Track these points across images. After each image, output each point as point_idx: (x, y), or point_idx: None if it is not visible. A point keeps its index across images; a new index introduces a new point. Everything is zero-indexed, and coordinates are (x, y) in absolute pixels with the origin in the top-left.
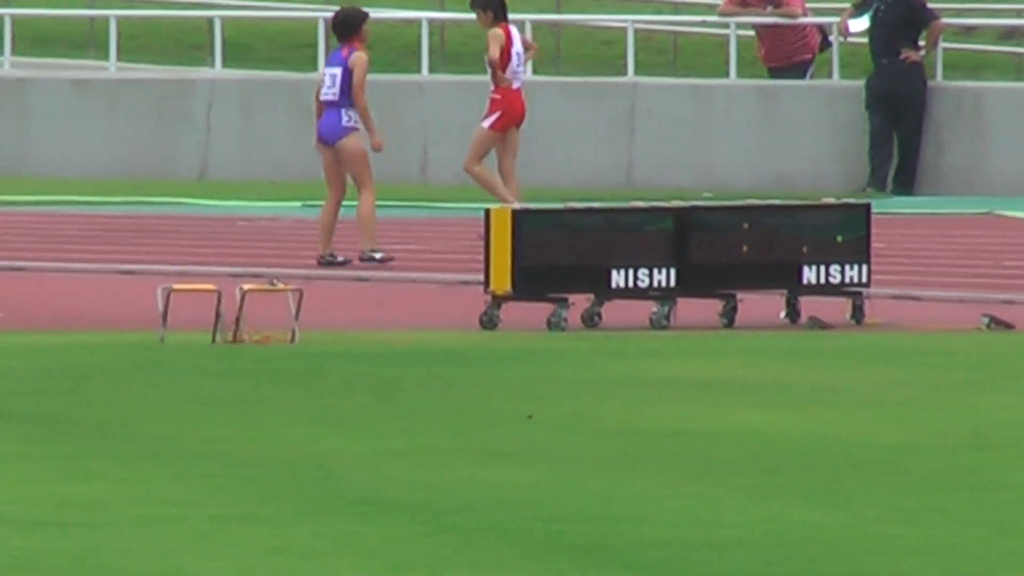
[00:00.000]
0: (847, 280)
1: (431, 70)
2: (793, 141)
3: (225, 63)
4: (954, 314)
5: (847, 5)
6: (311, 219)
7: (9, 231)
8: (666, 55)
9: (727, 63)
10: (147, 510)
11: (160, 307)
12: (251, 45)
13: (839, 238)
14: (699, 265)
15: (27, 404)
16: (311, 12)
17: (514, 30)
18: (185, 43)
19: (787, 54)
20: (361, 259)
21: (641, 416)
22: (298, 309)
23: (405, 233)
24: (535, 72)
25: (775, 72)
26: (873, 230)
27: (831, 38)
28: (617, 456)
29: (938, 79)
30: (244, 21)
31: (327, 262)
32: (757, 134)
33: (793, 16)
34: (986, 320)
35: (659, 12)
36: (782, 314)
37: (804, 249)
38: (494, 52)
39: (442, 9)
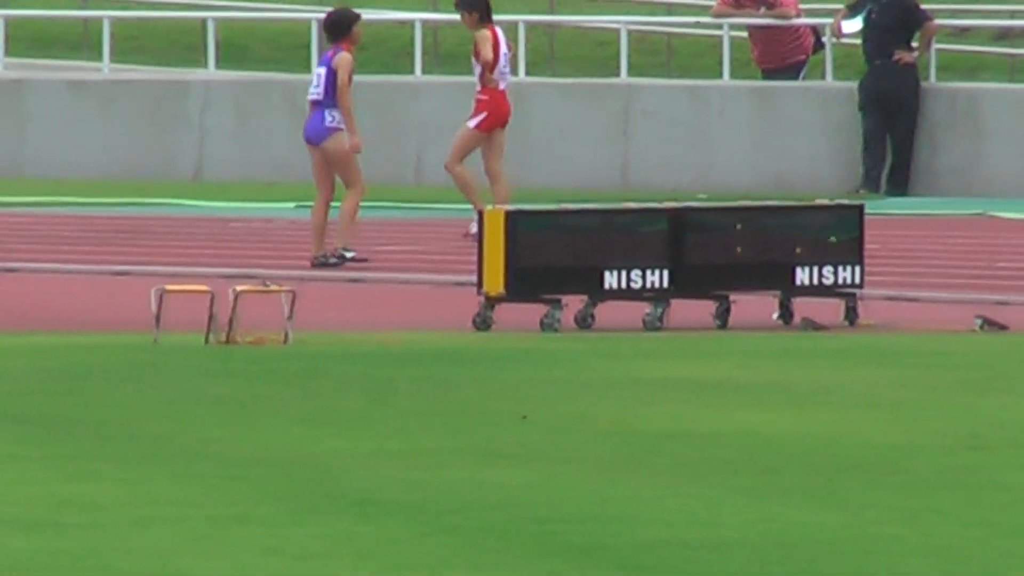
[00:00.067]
0: (840, 281)
1: (425, 71)
2: (787, 142)
3: (219, 64)
4: (948, 315)
5: (840, 6)
6: (305, 220)
7: (4, 232)
8: (660, 56)
9: (721, 64)
10: (145, 511)
11: (153, 308)
12: (246, 46)
13: (833, 239)
14: (693, 266)
15: (24, 405)
16: (305, 13)
17: (499, 31)
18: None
19: (781, 55)
20: (334, 255)
21: (637, 417)
22: (291, 310)
23: (399, 234)
24: (529, 73)
25: (768, 73)
26: (867, 231)
27: (824, 39)
28: (613, 457)
29: (932, 80)
30: (238, 22)
31: (320, 263)
32: (751, 135)
33: (786, 17)
34: (980, 321)
35: (653, 13)
36: (775, 315)
37: (798, 250)
38: (488, 53)
39: (436, 10)
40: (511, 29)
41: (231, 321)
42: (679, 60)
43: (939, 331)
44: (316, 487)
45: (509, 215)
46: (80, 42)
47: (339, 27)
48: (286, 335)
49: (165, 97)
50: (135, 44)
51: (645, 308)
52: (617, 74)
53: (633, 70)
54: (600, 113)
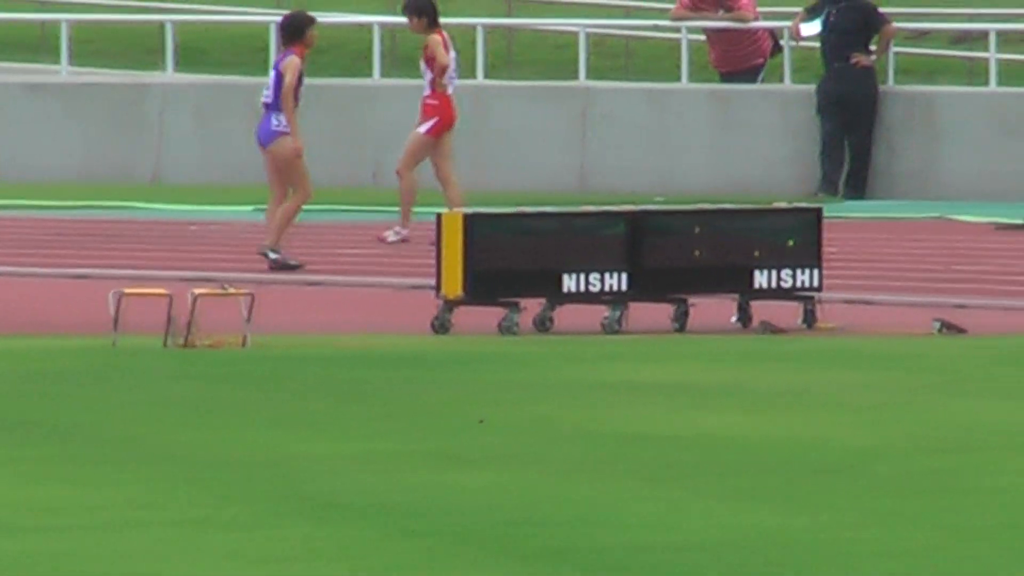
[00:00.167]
0: (799, 284)
1: (383, 74)
2: (746, 145)
3: (178, 67)
4: (906, 318)
5: (799, 9)
6: (263, 223)
7: None
8: (619, 59)
9: (680, 67)
10: (106, 514)
11: (112, 311)
12: (204, 49)
13: (791, 242)
14: (651, 269)
15: None
16: (263, 16)
17: (446, 35)
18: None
19: (739, 58)
20: (258, 252)
21: (597, 420)
22: (250, 313)
23: (357, 237)
24: (487, 76)
25: (727, 76)
26: (825, 234)
27: (782, 42)
28: (575, 460)
29: (890, 83)
30: (197, 25)
31: (279, 266)
32: (710, 138)
33: (745, 20)
34: (938, 324)
35: (611, 16)
36: (734, 318)
37: (756, 253)
38: (444, 58)
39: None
40: (469, 32)
41: (190, 324)
42: (637, 63)
43: (898, 334)
44: (277, 490)
45: (467, 218)
46: (38, 45)
47: (291, 30)
48: (245, 338)
49: (124, 100)
50: (93, 47)
51: (604, 311)
52: (576, 77)
53: (592, 73)
54: (559, 116)
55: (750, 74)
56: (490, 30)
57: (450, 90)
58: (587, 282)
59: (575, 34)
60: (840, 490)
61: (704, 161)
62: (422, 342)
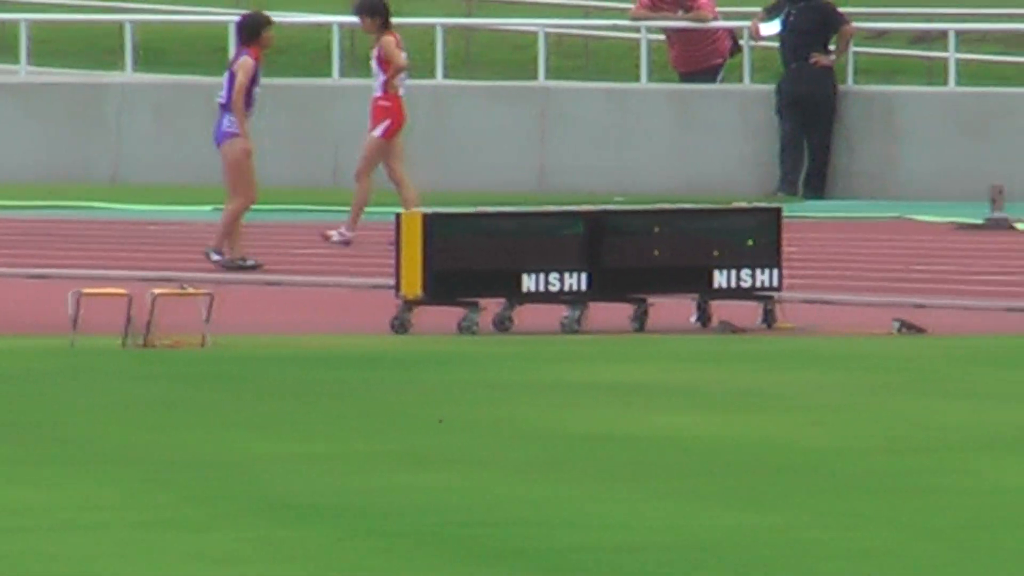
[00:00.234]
0: (758, 284)
1: (343, 74)
2: (705, 145)
3: (137, 67)
4: (866, 318)
5: (758, 9)
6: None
7: None
8: (578, 59)
9: (639, 67)
10: (65, 515)
11: (71, 311)
12: (163, 49)
13: (750, 242)
14: (611, 269)
15: None
16: (222, 16)
17: (397, 36)
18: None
19: (698, 58)
20: (204, 252)
21: (558, 420)
22: (209, 313)
23: (317, 237)
24: (447, 76)
25: (686, 76)
26: (784, 234)
27: (742, 42)
28: (534, 460)
29: (849, 83)
30: (156, 25)
31: (237, 266)
32: (669, 138)
33: (704, 20)
34: (898, 324)
35: (570, 16)
36: (693, 318)
37: (715, 253)
38: (401, 60)
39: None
40: (428, 32)
41: (149, 324)
42: (597, 63)
43: (857, 334)
44: (237, 491)
45: (427, 218)
46: None
47: (247, 31)
48: (204, 338)
49: (83, 100)
50: (52, 47)
51: (563, 311)
52: (535, 77)
53: (551, 73)
54: (518, 116)
55: (709, 74)
56: (449, 30)
57: (401, 91)
58: (546, 282)
59: (534, 34)
60: (800, 490)
61: (663, 161)
62: (381, 342)
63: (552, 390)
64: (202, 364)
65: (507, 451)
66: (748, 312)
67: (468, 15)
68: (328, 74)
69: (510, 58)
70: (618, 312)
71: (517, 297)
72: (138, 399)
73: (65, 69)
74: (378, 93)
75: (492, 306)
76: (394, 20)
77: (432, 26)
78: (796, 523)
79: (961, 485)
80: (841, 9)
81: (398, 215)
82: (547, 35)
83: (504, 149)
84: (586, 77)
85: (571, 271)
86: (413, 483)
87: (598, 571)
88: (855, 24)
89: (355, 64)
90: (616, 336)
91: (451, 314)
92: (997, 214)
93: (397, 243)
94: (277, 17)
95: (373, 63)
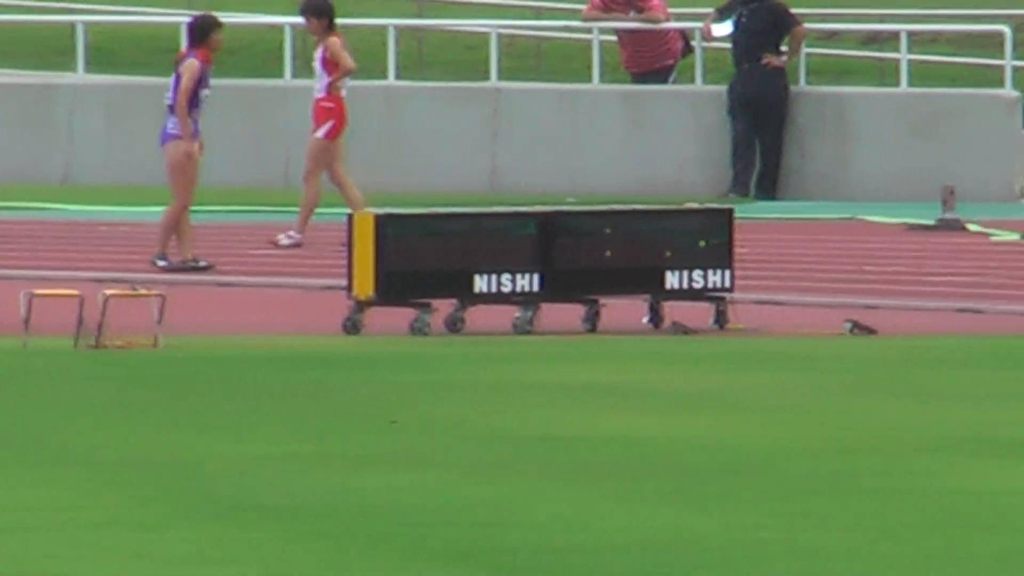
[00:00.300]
0: (710, 285)
1: (294, 75)
2: (657, 146)
3: (88, 68)
4: (817, 319)
5: (710, 10)
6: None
7: None
8: (530, 60)
9: (591, 68)
10: (14, 516)
11: (23, 312)
12: (114, 50)
13: (702, 243)
14: (563, 270)
15: None
16: (174, 17)
17: (342, 37)
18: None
19: (649, 59)
20: (151, 261)
21: (510, 421)
22: (161, 314)
23: (268, 237)
24: (399, 77)
25: (637, 77)
26: (736, 235)
27: (693, 43)
28: (486, 461)
29: (801, 84)
30: (107, 26)
31: (189, 267)
32: (621, 139)
33: (656, 21)
34: (849, 325)
35: (522, 17)
36: (645, 319)
37: (667, 254)
38: (349, 62)
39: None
40: (380, 33)
41: (100, 325)
42: (549, 64)
43: (809, 335)
44: (187, 492)
45: (379, 219)
46: None
47: (196, 33)
48: (156, 339)
49: (34, 101)
50: (3, 48)
51: (515, 312)
52: (487, 78)
53: (503, 74)
54: (470, 117)
55: (661, 75)
56: (401, 31)
57: (343, 92)
58: (498, 283)
59: (486, 35)
60: (750, 491)
61: (615, 162)
62: (333, 343)
63: (504, 391)
64: (154, 365)
65: (459, 452)
66: (700, 313)
67: (420, 16)
68: (280, 75)
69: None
70: (570, 313)
71: (469, 298)
72: (90, 400)
73: (16, 70)
74: (321, 94)
75: (444, 307)
76: (346, 21)
77: (384, 27)
78: (747, 524)
79: (911, 485)
80: (793, 10)
81: (350, 216)
82: (499, 36)
83: (456, 150)
84: (538, 78)
85: (523, 272)
86: (364, 484)
87: (549, 571)
88: (807, 25)
89: (307, 65)
90: (568, 337)
91: (403, 315)
92: (948, 215)
93: (349, 244)
94: (229, 18)
95: (317, 64)
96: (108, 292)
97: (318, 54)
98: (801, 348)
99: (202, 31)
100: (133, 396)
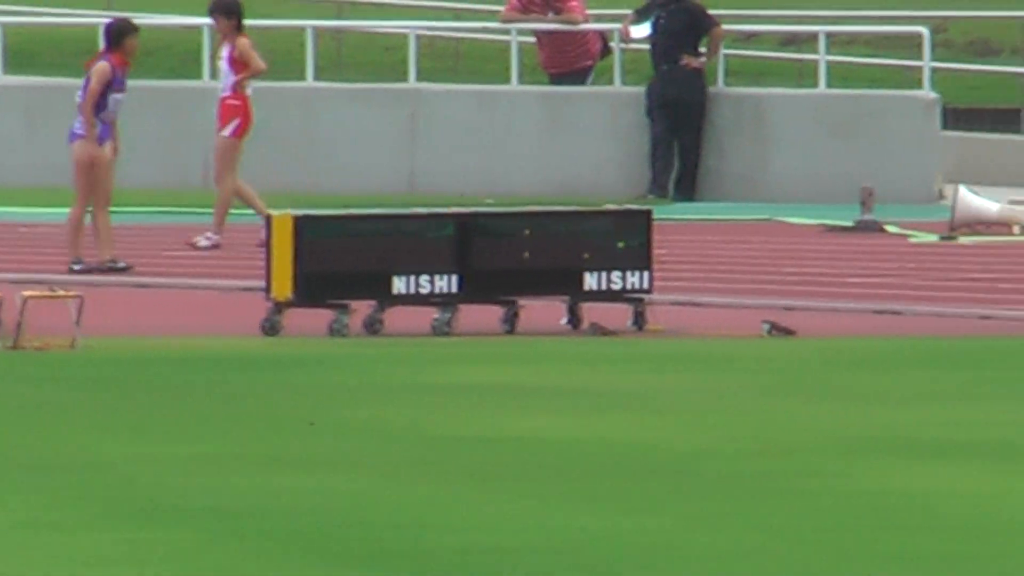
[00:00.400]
0: (629, 286)
1: (213, 76)
2: (576, 147)
3: (7, 70)
4: (736, 320)
5: (628, 11)
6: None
7: None
8: (448, 61)
9: (509, 69)
10: None
11: None
12: (33, 52)
13: (620, 244)
14: (481, 271)
15: None
16: (93, 18)
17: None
18: None
19: (568, 60)
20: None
21: (429, 422)
22: (79, 316)
23: (186, 239)
24: (317, 78)
25: (556, 78)
26: (655, 236)
27: (612, 44)
28: (403, 462)
29: (719, 85)
30: (26, 27)
31: (107, 268)
32: (540, 140)
33: (574, 22)
34: (767, 326)
35: (441, 18)
36: (564, 320)
37: (585, 255)
38: (259, 63)
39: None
40: (299, 34)
41: (19, 326)
42: (467, 65)
43: (727, 336)
44: (107, 493)
45: (297, 220)
46: None
47: (111, 37)
48: (74, 341)
49: None
50: None
51: (434, 313)
52: (405, 79)
53: (421, 75)
54: (388, 118)
55: (579, 76)
56: (320, 32)
57: (249, 91)
58: (417, 284)
59: (405, 36)
60: (668, 493)
61: (534, 163)
62: (252, 344)
63: (423, 392)
64: (72, 366)
65: (378, 453)
66: (618, 314)
67: (339, 17)
68: (198, 76)
69: (381, 60)
70: (489, 314)
71: (387, 299)
72: (7, 401)
73: None
74: (227, 92)
75: (362, 308)
76: (265, 22)
77: (302, 28)
78: (665, 525)
79: (829, 487)
80: (711, 11)
81: (268, 217)
82: (418, 37)
83: (375, 151)
84: (457, 79)
85: (441, 273)
86: (283, 485)
87: (469, 573)
88: (725, 26)
89: None
90: (487, 338)
91: (321, 316)
92: (867, 216)
93: (268, 245)
94: (147, 19)
95: (223, 63)
96: (26, 293)
97: (224, 53)
98: (719, 349)
99: (117, 35)
100: (51, 397)
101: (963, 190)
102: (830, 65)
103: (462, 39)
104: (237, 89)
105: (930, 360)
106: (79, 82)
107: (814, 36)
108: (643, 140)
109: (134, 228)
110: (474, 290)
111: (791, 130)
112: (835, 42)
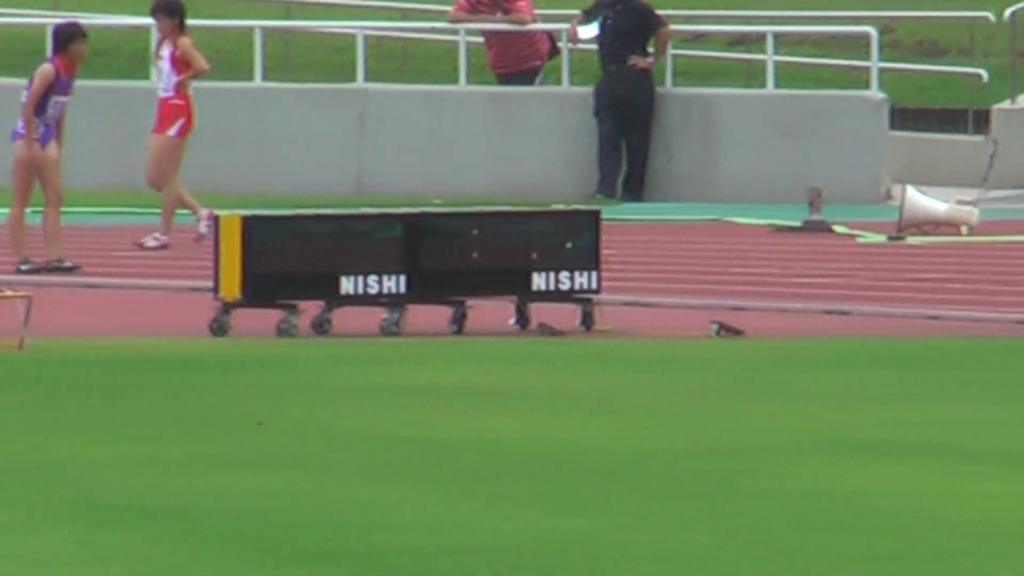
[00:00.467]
0: (577, 287)
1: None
2: (524, 147)
3: None
4: (684, 321)
5: (576, 11)
6: (38, 225)
7: None
8: (396, 61)
9: (457, 69)
10: None
11: None
12: None
13: (569, 245)
14: (429, 272)
15: None
16: (40, 19)
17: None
18: None
19: (516, 60)
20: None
21: (375, 423)
22: (27, 316)
23: (134, 239)
24: (265, 78)
25: (504, 78)
26: (603, 237)
27: (560, 44)
28: (351, 463)
29: (667, 85)
30: None
31: (54, 268)
32: (488, 140)
33: (522, 23)
34: (715, 327)
35: (388, 19)
36: (512, 320)
37: (534, 256)
38: (202, 63)
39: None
40: (247, 34)
41: None
42: (415, 65)
43: (675, 336)
44: (53, 493)
45: (245, 221)
46: None
47: (57, 40)
48: (21, 341)
49: None
50: None
51: (382, 314)
52: (353, 79)
53: (369, 75)
54: (336, 118)
55: (528, 76)
56: (268, 32)
57: (190, 91)
58: (365, 284)
59: (353, 36)
60: (616, 493)
61: (482, 163)
62: (200, 344)
63: (371, 392)
64: (19, 366)
65: (325, 453)
66: (567, 314)
67: (287, 17)
68: (146, 77)
69: (329, 60)
70: (437, 314)
71: (335, 300)
72: None
73: None
74: (169, 93)
75: (311, 308)
76: (212, 23)
77: (251, 28)
78: (614, 526)
79: (779, 487)
80: (659, 11)
81: (217, 217)
82: (366, 37)
83: (323, 151)
84: (405, 79)
85: (389, 274)
86: (231, 485)
87: (415, 573)
88: (673, 27)
89: None
90: (435, 338)
91: (269, 316)
92: (815, 216)
93: (216, 245)
94: (95, 19)
95: (164, 63)
96: None
97: (165, 53)
98: (668, 350)
99: (64, 40)
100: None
101: (911, 190)
102: (778, 65)
103: (410, 39)
104: (180, 89)
105: (878, 360)
106: (24, 82)
107: (762, 36)
108: (591, 140)
109: (82, 228)
110: (422, 290)
111: (739, 130)
112: (783, 42)
